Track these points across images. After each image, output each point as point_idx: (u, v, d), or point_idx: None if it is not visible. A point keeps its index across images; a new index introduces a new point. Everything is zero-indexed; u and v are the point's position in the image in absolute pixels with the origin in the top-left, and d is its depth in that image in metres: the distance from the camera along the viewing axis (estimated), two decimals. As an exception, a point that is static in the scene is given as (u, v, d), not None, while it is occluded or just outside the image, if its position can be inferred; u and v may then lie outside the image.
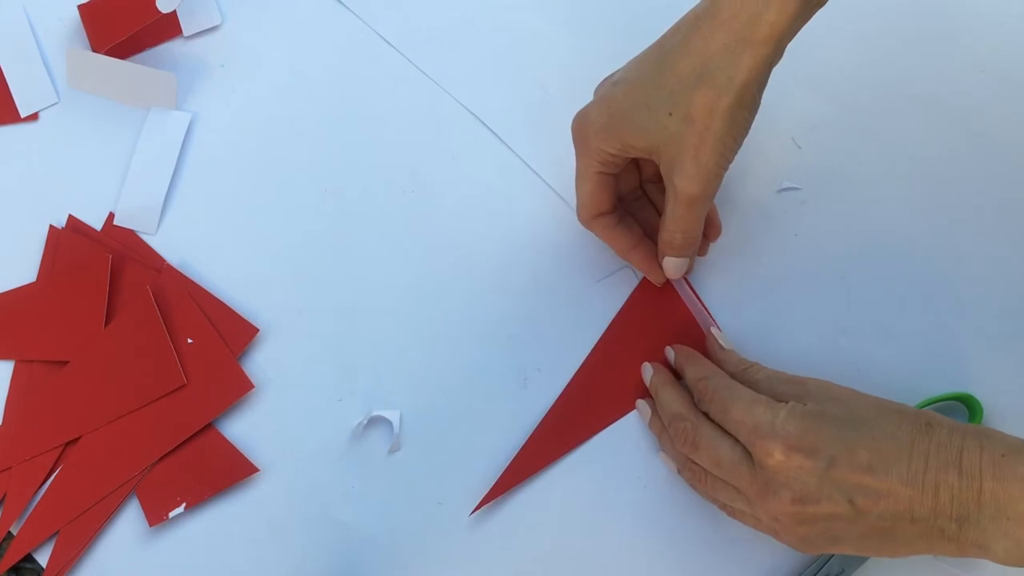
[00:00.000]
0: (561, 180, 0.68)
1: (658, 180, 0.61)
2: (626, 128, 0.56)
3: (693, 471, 0.58)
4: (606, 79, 0.60)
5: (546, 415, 0.63)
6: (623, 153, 0.57)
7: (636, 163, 0.62)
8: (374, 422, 0.63)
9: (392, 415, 0.62)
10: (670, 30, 0.56)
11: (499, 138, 0.69)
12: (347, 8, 0.73)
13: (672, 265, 0.61)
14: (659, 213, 0.63)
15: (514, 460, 0.61)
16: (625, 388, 0.63)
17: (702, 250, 0.64)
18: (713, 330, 0.63)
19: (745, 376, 0.58)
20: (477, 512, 0.61)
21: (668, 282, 0.64)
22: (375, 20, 0.72)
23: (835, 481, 0.50)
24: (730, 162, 0.56)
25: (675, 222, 0.58)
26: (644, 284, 0.65)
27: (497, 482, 0.61)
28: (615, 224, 0.62)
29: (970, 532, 0.48)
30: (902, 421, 0.51)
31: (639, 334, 0.64)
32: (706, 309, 0.64)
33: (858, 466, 0.50)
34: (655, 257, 0.62)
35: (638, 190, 0.64)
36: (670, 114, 0.54)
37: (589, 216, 0.62)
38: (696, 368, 0.60)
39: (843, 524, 0.51)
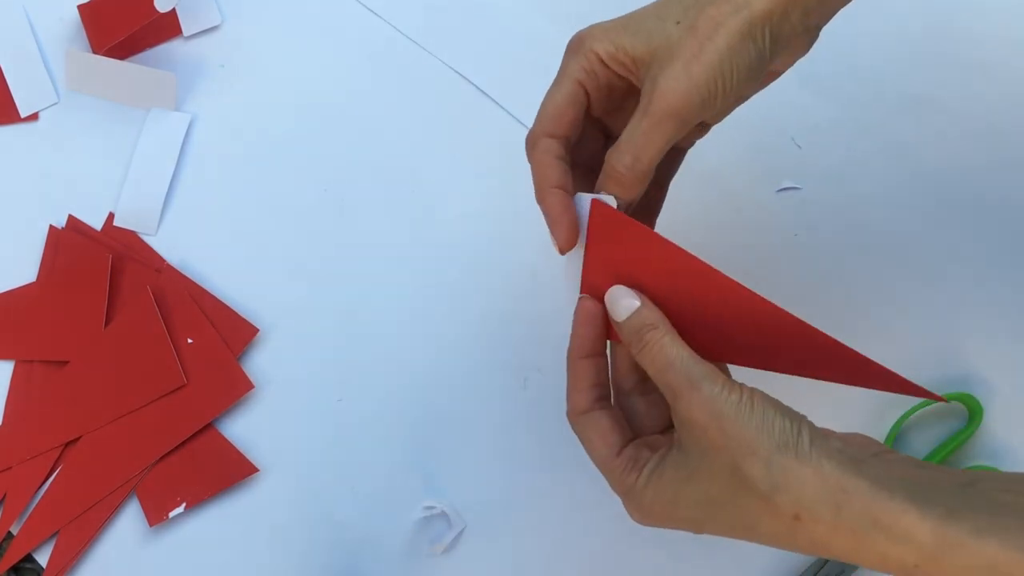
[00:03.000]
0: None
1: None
2: (628, 29, 0.51)
3: None
4: None
5: None
6: (615, 57, 0.51)
7: (604, 129, 0.55)
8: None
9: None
10: None
11: (516, 119, 0.69)
12: (348, 6, 0.73)
13: None
14: None
15: None
16: None
17: None
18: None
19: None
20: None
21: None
22: (383, 15, 0.72)
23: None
24: (719, 98, 0.49)
25: (632, 138, 0.48)
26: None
27: None
28: (558, 155, 0.51)
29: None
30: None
31: None
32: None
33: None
34: (567, 210, 0.51)
35: (594, 160, 0.54)
36: (678, 22, 0.50)
37: (543, 131, 0.51)
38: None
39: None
